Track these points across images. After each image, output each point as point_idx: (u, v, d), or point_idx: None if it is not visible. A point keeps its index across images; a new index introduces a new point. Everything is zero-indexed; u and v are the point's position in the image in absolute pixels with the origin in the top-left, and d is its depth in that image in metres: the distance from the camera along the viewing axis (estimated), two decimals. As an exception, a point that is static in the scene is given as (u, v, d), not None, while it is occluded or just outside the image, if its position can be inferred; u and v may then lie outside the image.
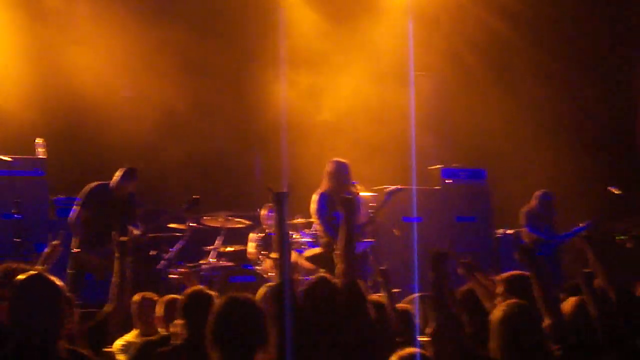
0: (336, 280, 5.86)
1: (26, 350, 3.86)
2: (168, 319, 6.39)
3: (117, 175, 9.84)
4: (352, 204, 6.19)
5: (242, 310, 4.34)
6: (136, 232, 9.64)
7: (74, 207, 9.86)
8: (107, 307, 5.53)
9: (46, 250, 6.66)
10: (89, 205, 9.77)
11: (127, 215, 9.78)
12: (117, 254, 5.58)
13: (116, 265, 5.51)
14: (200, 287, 6.11)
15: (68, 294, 5.33)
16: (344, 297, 5.70)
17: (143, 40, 12.69)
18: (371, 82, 13.41)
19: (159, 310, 6.74)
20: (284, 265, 5.71)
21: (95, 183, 9.97)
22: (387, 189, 10.61)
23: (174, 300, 6.16)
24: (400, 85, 13.17)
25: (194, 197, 9.92)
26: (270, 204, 11.07)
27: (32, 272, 4.15)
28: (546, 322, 5.30)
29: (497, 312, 4.92)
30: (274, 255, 7.24)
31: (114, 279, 5.48)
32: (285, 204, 5.88)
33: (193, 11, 13.59)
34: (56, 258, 6.79)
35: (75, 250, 9.51)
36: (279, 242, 5.80)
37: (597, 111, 14.86)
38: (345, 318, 5.62)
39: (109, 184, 9.88)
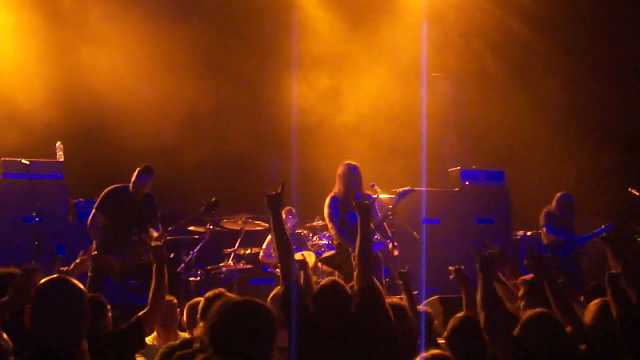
0: (346, 283, 5.83)
1: (48, 354, 3.85)
2: (191, 322, 6.42)
3: (135, 174, 9.84)
4: (368, 208, 6.12)
5: (238, 316, 3.97)
6: (155, 234, 9.64)
7: (92, 210, 9.89)
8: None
9: (76, 260, 6.68)
10: (106, 208, 9.76)
11: (146, 218, 9.78)
12: (153, 260, 5.56)
13: (154, 269, 5.50)
14: (220, 289, 6.11)
15: (101, 298, 5.35)
16: (358, 299, 5.63)
17: (162, 42, 12.71)
18: (390, 84, 13.39)
19: (184, 313, 6.77)
20: (287, 269, 5.62)
21: (114, 186, 9.95)
22: (399, 190, 10.64)
23: (198, 303, 6.17)
24: (420, 86, 13.16)
25: (212, 199, 9.91)
26: (289, 207, 11.12)
27: (54, 276, 4.13)
28: (568, 328, 5.31)
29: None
30: (297, 257, 7.22)
31: (152, 282, 5.47)
32: (278, 206, 5.76)
33: (213, 12, 13.60)
34: (84, 270, 6.83)
35: (94, 253, 9.51)
36: (279, 246, 5.71)
37: (618, 112, 14.77)
38: (360, 321, 5.56)
39: (128, 186, 9.87)
